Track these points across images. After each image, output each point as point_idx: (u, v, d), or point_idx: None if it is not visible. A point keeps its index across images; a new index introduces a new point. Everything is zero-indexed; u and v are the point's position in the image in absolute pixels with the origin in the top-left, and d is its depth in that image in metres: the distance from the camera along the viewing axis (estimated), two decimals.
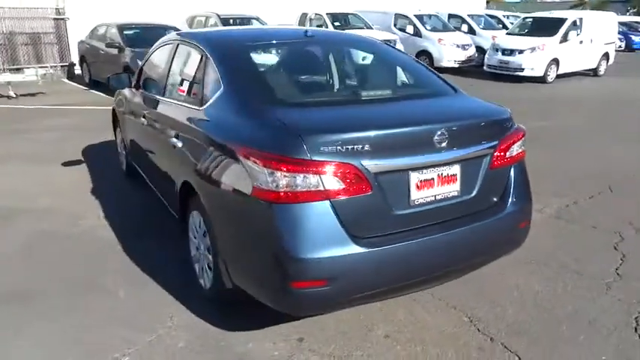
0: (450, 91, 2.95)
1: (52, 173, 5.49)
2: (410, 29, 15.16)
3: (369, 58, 3.37)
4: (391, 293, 2.51)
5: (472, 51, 14.97)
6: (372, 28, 14.46)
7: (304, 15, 15.18)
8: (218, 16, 13.26)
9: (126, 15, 13.09)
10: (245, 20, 13.64)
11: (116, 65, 10.11)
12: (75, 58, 13.31)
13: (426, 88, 2.96)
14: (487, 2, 28.36)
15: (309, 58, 3.21)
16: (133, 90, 4.44)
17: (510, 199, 2.71)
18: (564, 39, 13.13)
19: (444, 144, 2.38)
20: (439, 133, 2.36)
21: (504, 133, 2.64)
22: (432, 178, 2.40)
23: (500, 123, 2.64)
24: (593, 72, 14.46)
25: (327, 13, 14.58)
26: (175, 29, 11.55)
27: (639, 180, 5.39)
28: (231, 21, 13.08)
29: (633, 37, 24.49)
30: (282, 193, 2.14)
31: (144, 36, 10.80)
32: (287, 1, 16.52)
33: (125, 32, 10.54)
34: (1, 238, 3.91)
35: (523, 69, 12.89)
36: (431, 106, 2.75)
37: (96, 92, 11.09)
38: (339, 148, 2.16)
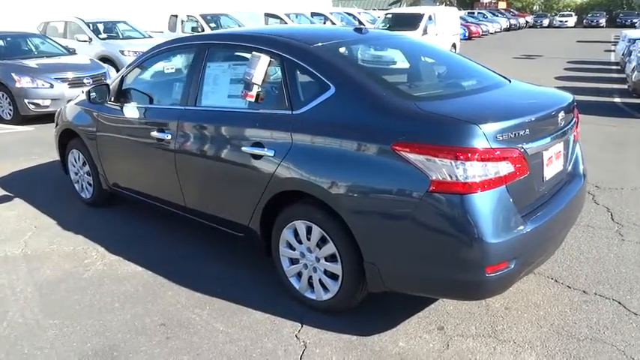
0: (505, 80, 3.22)
1: None
2: None
3: (432, 54, 3.49)
4: (539, 264, 2.72)
5: None
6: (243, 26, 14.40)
7: (174, 17, 14.43)
8: (82, 20, 11.92)
9: None
10: (113, 24, 12.52)
11: None
12: None
13: (493, 78, 3.17)
14: None
15: (389, 55, 3.20)
16: (113, 104, 3.90)
17: (581, 168, 3.11)
18: (425, 32, 14.61)
19: (561, 124, 2.66)
20: (561, 114, 2.63)
21: (575, 112, 3.01)
22: (552, 156, 2.65)
23: (574, 104, 2.99)
24: None
25: (200, 15, 14.06)
26: (41, 36, 10.22)
27: None
28: (100, 26, 11.87)
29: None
30: (470, 183, 2.19)
31: (7, 46, 9.35)
32: (149, 4, 15.54)
33: None
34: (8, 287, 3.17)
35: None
36: (527, 92, 3.00)
37: None
38: (509, 134, 2.29)
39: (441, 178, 2.21)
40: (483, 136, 2.21)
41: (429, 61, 3.47)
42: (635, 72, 9.31)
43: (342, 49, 2.97)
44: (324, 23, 16.98)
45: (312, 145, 2.62)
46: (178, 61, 3.79)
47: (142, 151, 3.69)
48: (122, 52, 10.97)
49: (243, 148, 2.91)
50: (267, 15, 15.75)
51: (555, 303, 2.94)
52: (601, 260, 3.44)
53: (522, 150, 2.35)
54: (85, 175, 4.53)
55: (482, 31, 31.95)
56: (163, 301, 3.07)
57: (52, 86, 8.22)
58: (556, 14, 51.31)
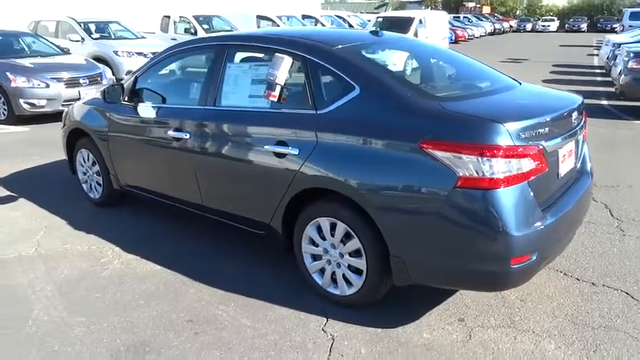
0: (516, 82, 3.35)
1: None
2: None
3: (445, 57, 3.61)
4: (554, 258, 2.84)
5: None
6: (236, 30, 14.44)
7: (166, 18, 14.39)
8: (74, 20, 11.83)
9: None
10: (105, 24, 12.46)
11: None
12: None
13: (505, 80, 3.29)
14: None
15: (403, 56, 3.31)
16: (127, 104, 3.94)
17: (588, 166, 3.25)
18: (415, 35, 14.80)
19: (574, 124, 2.79)
20: (574, 115, 2.77)
21: (583, 113, 3.15)
22: (565, 154, 2.78)
23: (583, 105, 3.12)
24: None
25: (193, 16, 14.05)
26: (34, 35, 10.14)
27: None
28: (92, 26, 11.81)
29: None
30: (496, 179, 2.30)
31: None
32: (140, 5, 15.48)
33: None
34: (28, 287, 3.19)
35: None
36: (541, 94, 3.13)
37: None
38: (530, 132, 2.41)
39: (467, 174, 2.31)
40: (507, 134, 2.32)
41: (444, 63, 3.60)
42: (622, 75, 9.57)
43: (363, 51, 3.07)
44: (315, 26, 17.07)
45: (337, 143, 2.71)
46: (196, 62, 3.84)
47: (157, 150, 3.73)
48: (116, 52, 10.92)
49: (266, 147, 2.98)
50: (259, 17, 15.78)
51: (567, 294, 3.06)
52: (605, 254, 3.58)
53: (542, 147, 2.47)
54: (95, 174, 4.54)
55: (468, 35, 32.38)
56: (186, 298, 3.12)
57: (47, 86, 8.16)
58: (539, 19, 52.20)
